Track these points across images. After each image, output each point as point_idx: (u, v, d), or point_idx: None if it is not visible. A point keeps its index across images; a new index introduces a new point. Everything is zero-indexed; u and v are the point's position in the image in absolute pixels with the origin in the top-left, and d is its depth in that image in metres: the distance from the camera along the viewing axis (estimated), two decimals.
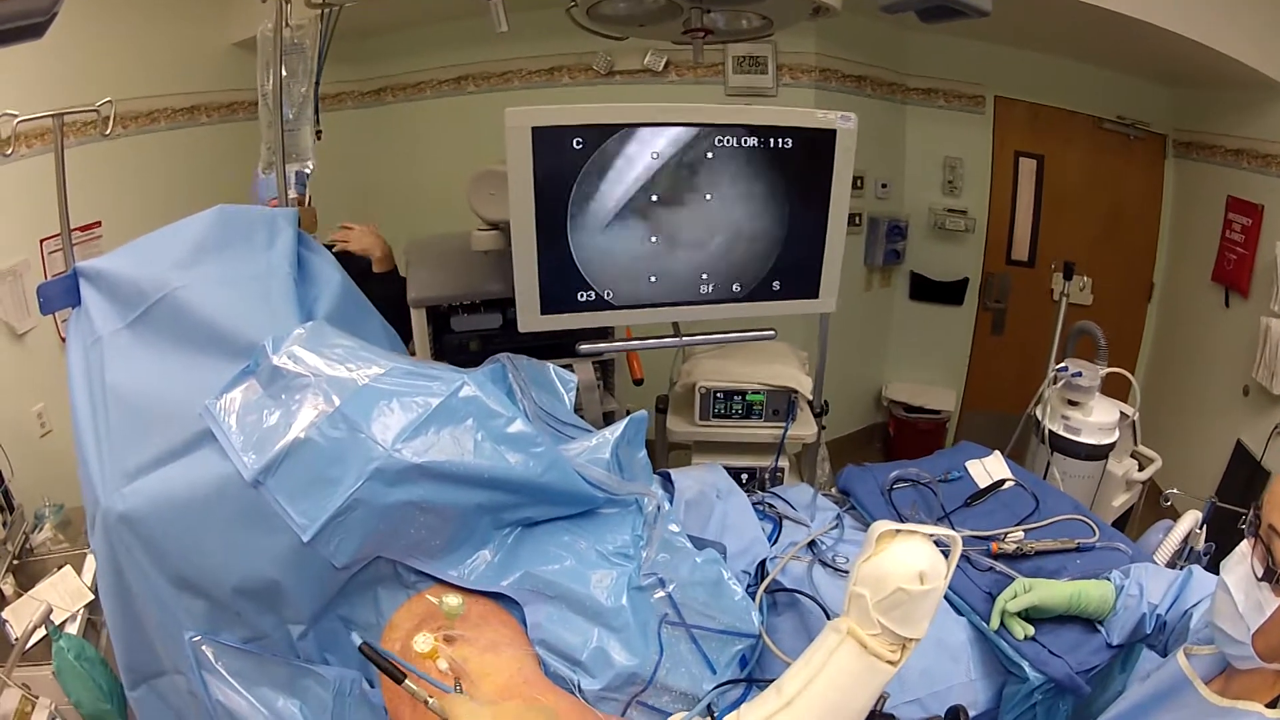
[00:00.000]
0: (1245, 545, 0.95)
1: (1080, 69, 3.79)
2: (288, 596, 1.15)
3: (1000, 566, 1.44)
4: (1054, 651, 1.27)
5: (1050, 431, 2.32)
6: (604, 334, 2.09)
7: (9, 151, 1.95)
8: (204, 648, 1.15)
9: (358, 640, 0.89)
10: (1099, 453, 2.32)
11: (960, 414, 4.53)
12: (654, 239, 1.68)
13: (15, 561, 2.25)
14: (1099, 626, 1.32)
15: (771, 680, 1.11)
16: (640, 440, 1.42)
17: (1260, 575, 0.90)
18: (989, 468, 1.78)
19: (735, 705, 1.09)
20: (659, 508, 1.32)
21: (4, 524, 2.26)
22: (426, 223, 2.95)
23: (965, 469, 1.78)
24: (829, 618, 1.27)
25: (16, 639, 1.91)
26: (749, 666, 1.24)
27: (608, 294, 1.69)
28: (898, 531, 1.02)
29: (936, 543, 1.03)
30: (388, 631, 1.14)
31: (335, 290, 1.48)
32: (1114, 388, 2.42)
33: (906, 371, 4.60)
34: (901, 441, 4.44)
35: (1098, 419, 2.31)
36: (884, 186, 4.12)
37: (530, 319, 1.65)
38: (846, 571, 1.39)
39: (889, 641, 0.99)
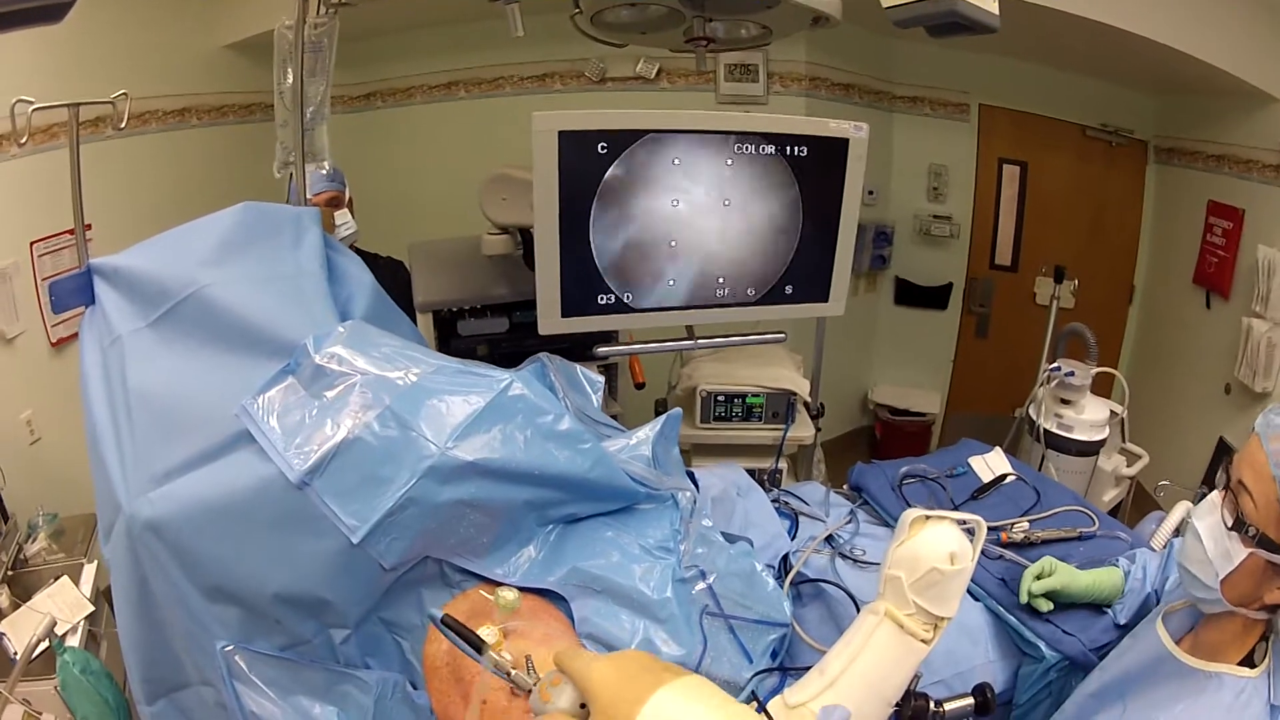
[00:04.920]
0: (1216, 496, 1.02)
1: (1065, 78, 3.88)
2: (332, 601, 1.12)
3: (1010, 554, 1.50)
4: (1067, 631, 1.33)
5: (1044, 429, 2.39)
6: (608, 338, 2.06)
7: (23, 141, 1.89)
8: (236, 657, 1.09)
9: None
10: (1091, 449, 2.40)
11: (945, 416, 4.61)
12: (673, 243, 1.71)
13: (10, 573, 2.19)
14: (1104, 609, 1.38)
15: (804, 668, 1.15)
16: (675, 437, 1.44)
17: (1230, 525, 0.97)
18: (991, 463, 1.84)
19: (775, 692, 1.12)
20: (694, 502, 1.34)
21: None
22: (418, 227, 2.92)
23: (969, 464, 1.84)
24: (855, 605, 1.33)
25: (17, 653, 1.84)
26: (779, 656, 1.27)
27: (627, 297, 1.71)
28: (928, 518, 1.10)
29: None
30: (435, 630, 1.10)
31: (367, 291, 1.47)
32: (1100, 387, 2.49)
33: (892, 375, 4.67)
34: (888, 443, 4.51)
35: (1089, 417, 2.38)
36: (871, 193, 4.18)
37: (551, 322, 1.65)
38: (866, 562, 1.46)
39: (923, 621, 1.05)
